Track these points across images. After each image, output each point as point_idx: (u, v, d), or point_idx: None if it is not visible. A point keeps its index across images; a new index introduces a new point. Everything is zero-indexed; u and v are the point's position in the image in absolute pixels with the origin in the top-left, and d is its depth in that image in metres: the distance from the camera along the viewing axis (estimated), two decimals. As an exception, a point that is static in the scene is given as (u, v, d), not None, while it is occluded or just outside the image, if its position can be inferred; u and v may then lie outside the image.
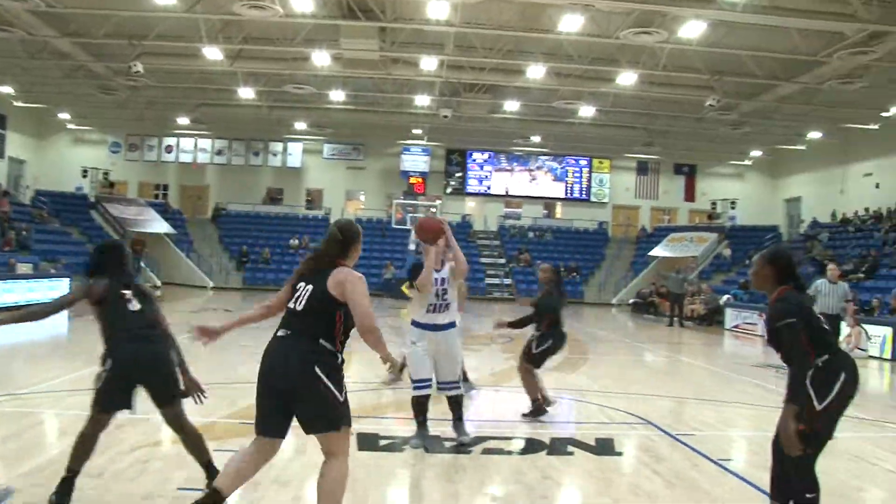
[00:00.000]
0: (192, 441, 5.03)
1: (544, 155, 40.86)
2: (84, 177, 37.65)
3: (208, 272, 34.32)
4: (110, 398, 4.82)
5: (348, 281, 4.27)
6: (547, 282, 8.76)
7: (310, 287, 4.31)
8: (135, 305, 5.05)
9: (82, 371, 9.27)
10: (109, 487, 5.22)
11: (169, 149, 39.57)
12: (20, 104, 33.39)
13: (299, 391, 4.15)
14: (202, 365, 10.84)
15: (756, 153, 38.36)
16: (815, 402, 4.16)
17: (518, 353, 8.74)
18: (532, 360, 8.40)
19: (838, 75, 23.20)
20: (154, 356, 4.93)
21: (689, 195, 41.62)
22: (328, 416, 4.20)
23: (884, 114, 27.55)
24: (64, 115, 36.77)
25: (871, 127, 29.23)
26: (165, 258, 34.12)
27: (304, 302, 4.30)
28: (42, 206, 33.24)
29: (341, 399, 4.21)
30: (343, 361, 4.33)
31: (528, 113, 32.58)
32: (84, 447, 4.81)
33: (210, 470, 4.98)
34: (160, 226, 34.96)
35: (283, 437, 4.36)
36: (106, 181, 38.36)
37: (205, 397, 5.04)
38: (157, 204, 37.91)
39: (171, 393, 4.97)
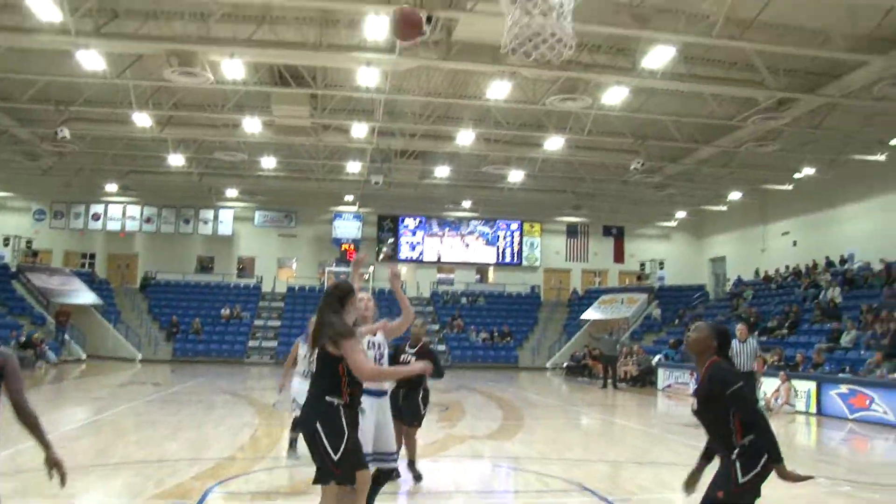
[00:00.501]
0: None
1: (476, 220, 41.30)
2: (6, 246, 36.44)
3: (136, 344, 33.36)
4: None
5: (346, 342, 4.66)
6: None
7: (316, 349, 4.76)
8: None
9: (4, 452, 8.83)
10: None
11: (96, 216, 38.67)
12: (-65, 170, 32.32)
13: (308, 444, 4.68)
14: (130, 441, 10.53)
15: (681, 214, 39.58)
16: (739, 476, 4.23)
17: (454, 423, 8.66)
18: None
19: (753, 139, 24.30)
20: None
21: (619, 257, 42.44)
22: (322, 470, 4.59)
23: (797, 175, 28.93)
24: (-16, 183, 35.71)
25: (785, 188, 30.65)
26: (91, 330, 33.08)
27: (314, 363, 4.83)
28: (-41, 277, 32.04)
29: (335, 458, 4.53)
30: (358, 412, 4.86)
31: (458, 178, 33.02)
32: None
33: None
34: (86, 296, 33.91)
35: None
36: (29, 250, 37.20)
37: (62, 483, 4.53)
38: (84, 273, 36.83)
39: None
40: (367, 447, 6.24)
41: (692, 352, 4.72)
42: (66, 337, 31.16)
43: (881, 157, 25.32)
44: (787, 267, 31.51)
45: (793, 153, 26.39)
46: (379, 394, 6.54)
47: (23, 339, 26.72)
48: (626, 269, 42.07)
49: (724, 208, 36.36)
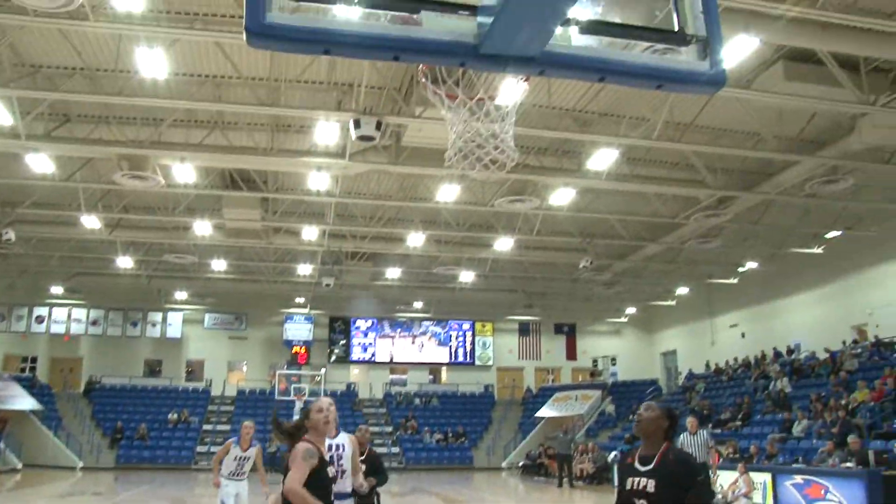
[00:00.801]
0: None
1: (428, 320, 41.33)
2: (-57, 352, 35.32)
3: (77, 451, 32.13)
4: None
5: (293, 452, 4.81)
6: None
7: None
8: None
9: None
10: None
11: (40, 319, 37.77)
12: None
13: None
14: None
15: (630, 310, 40.17)
16: None
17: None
18: None
19: (697, 235, 25.06)
20: None
21: (571, 354, 42.65)
22: None
23: (740, 269, 29.81)
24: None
25: (730, 281, 31.45)
26: (29, 437, 31.75)
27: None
28: None
29: None
30: None
31: (409, 279, 33.21)
32: None
33: None
34: (25, 402, 32.63)
35: None
36: (-33, 355, 36.04)
37: None
38: (24, 378, 35.56)
39: None
40: None
41: (643, 432, 4.65)
42: (2, 445, 29.86)
43: (818, 250, 26.27)
44: (735, 359, 31.95)
45: (735, 248, 27.23)
46: (340, 496, 6.52)
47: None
48: (578, 366, 42.25)
49: (673, 303, 37.08)
